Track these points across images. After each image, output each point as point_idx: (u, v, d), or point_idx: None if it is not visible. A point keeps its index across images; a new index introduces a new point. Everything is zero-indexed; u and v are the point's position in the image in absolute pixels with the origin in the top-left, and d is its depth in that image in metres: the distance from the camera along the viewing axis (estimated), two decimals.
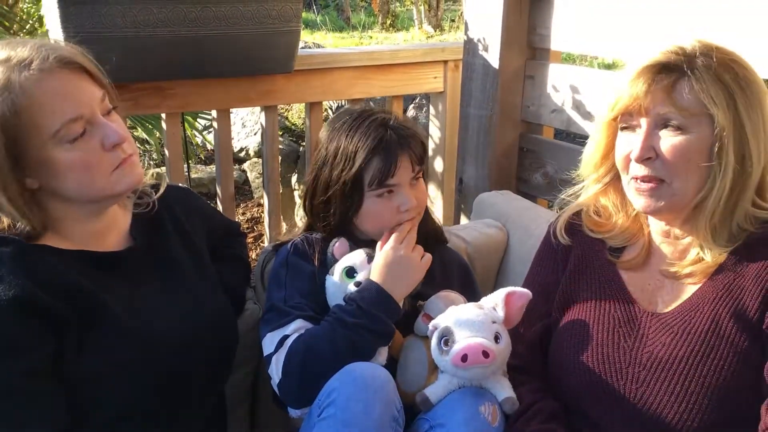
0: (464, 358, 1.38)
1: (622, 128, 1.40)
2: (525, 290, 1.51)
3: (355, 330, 1.47)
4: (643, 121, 1.34)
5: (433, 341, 1.46)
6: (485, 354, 1.38)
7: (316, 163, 1.68)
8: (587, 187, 1.54)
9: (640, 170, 1.36)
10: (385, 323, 1.50)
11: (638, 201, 1.39)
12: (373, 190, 1.60)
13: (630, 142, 1.37)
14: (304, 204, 1.72)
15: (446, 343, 1.43)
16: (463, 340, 1.41)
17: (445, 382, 1.46)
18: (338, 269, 1.59)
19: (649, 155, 1.34)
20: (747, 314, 1.32)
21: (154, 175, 1.62)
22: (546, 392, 1.50)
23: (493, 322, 1.45)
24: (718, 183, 1.32)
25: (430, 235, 1.78)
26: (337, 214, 1.65)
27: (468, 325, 1.43)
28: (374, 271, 1.56)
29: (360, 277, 1.57)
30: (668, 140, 1.33)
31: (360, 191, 1.61)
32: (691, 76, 1.31)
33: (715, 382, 1.30)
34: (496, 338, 1.43)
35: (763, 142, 1.33)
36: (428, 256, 1.62)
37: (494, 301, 1.49)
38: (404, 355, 1.57)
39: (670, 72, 1.32)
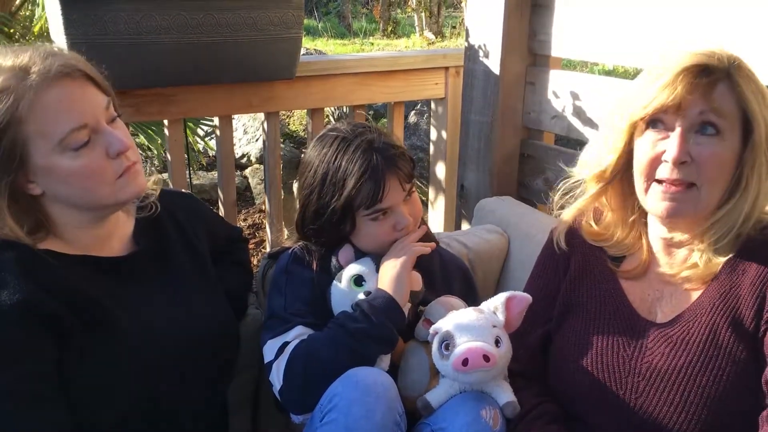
0: (465, 362, 1.38)
1: (648, 127, 1.36)
2: (525, 294, 1.51)
3: (356, 336, 1.47)
4: (678, 123, 1.31)
5: (434, 346, 1.47)
6: (486, 358, 1.38)
7: (304, 189, 1.65)
8: (586, 189, 1.52)
9: (673, 173, 1.32)
10: (387, 329, 1.50)
11: (660, 205, 1.35)
12: (368, 214, 1.59)
13: (659, 144, 1.34)
14: (297, 229, 1.71)
15: (447, 348, 1.43)
16: (464, 345, 1.41)
17: (446, 386, 1.46)
18: (345, 277, 1.60)
19: (685, 159, 1.31)
20: (743, 323, 1.32)
21: (158, 180, 1.63)
22: (547, 396, 1.50)
23: (494, 326, 1.45)
24: (751, 190, 1.31)
25: (424, 239, 1.78)
26: (332, 237, 1.64)
27: (468, 330, 1.43)
28: (381, 280, 1.56)
29: (369, 285, 1.57)
30: (705, 146, 1.30)
31: (352, 216, 1.59)
32: (730, 80, 1.30)
33: (714, 392, 1.30)
34: (497, 342, 1.43)
35: None
36: (415, 249, 1.60)
37: (494, 305, 1.50)
38: (405, 361, 1.57)
39: (710, 73, 1.30)
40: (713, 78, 1.30)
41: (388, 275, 1.55)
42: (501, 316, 1.48)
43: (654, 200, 1.37)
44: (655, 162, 1.34)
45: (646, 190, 1.38)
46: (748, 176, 1.32)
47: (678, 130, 1.31)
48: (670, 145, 1.32)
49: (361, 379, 1.38)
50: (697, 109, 1.30)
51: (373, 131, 1.62)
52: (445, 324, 1.47)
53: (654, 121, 1.35)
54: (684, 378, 1.33)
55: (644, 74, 1.39)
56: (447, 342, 1.44)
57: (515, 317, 1.50)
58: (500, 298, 1.50)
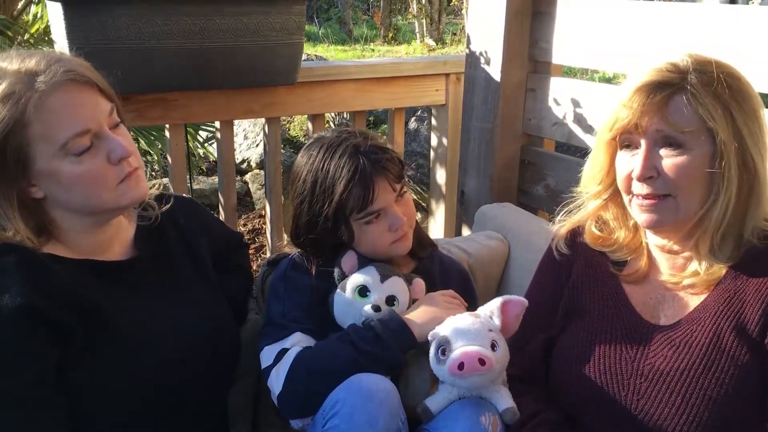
0: (461, 366, 1.38)
1: (622, 147, 1.40)
2: (521, 298, 1.51)
3: (367, 357, 1.47)
4: (642, 141, 1.35)
5: (431, 351, 1.47)
6: (482, 362, 1.38)
7: (295, 200, 1.66)
8: (586, 204, 1.55)
9: (643, 189, 1.36)
10: (396, 355, 1.50)
11: (642, 217, 1.39)
12: (361, 218, 1.59)
13: (630, 162, 1.38)
14: (292, 240, 1.71)
15: (443, 353, 1.43)
16: (460, 349, 1.41)
17: (446, 392, 1.46)
18: (350, 286, 1.59)
19: (651, 174, 1.34)
20: (747, 328, 1.32)
21: (160, 186, 1.63)
22: (549, 402, 1.50)
23: (490, 330, 1.45)
24: (722, 196, 1.32)
25: (422, 242, 1.79)
26: (328, 247, 1.64)
27: (464, 334, 1.43)
28: (417, 310, 1.56)
29: (374, 296, 1.57)
30: (669, 159, 1.33)
31: (346, 223, 1.60)
32: (686, 93, 1.31)
33: (716, 395, 1.30)
34: (493, 346, 1.43)
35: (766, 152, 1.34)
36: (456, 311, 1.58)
37: (490, 310, 1.50)
38: (406, 367, 1.56)
39: (663, 90, 1.32)
40: (666, 94, 1.32)
41: (427, 313, 1.55)
42: (497, 320, 1.48)
43: (636, 213, 1.41)
44: (629, 179, 1.39)
45: (629, 203, 1.42)
46: (719, 182, 1.33)
47: (643, 147, 1.35)
48: (636, 162, 1.36)
49: (364, 385, 1.39)
50: (653, 126, 1.33)
51: (359, 135, 1.63)
52: (442, 329, 1.47)
53: (625, 143, 1.39)
54: (686, 380, 1.33)
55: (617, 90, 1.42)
56: (443, 347, 1.44)
57: (512, 321, 1.50)
58: (496, 302, 1.50)
